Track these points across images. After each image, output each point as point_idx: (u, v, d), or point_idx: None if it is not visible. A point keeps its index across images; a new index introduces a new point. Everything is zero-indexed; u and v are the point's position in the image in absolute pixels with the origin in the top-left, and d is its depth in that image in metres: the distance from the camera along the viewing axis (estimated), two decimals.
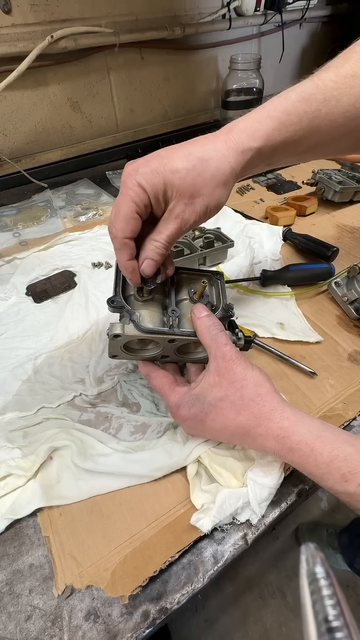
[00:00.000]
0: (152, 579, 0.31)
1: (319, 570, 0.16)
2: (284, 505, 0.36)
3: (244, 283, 0.60)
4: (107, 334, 0.35)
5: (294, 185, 0.91)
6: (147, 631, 0.30)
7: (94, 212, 0.84)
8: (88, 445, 0.40)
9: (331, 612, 0.14)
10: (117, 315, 0.37)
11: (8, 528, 0.35)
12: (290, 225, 0.76)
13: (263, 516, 0.35)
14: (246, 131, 0.32)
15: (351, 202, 0.82)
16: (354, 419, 0.43)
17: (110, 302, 0.36)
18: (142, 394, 0.46)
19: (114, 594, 0.31)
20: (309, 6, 1.23)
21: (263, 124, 0.32)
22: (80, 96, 0.98)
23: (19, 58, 0.78)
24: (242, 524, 0.35)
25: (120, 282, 0.38)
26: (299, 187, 0.90)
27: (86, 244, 0.73)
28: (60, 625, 0.30)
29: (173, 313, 0.38)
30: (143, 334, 0.35)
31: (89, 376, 0.48)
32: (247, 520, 0.34)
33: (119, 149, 1.09)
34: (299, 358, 0.48)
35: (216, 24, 1.06)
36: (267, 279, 0.59)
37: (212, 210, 0.34)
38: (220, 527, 0.34)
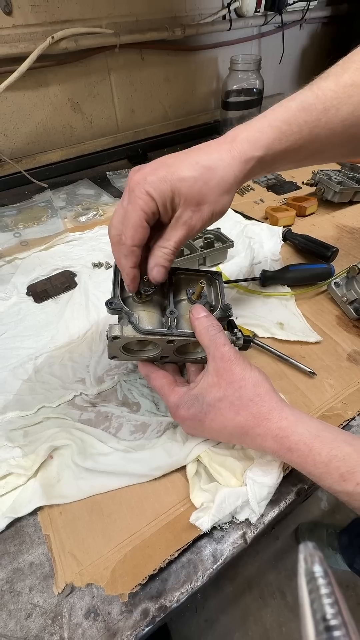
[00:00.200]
0: (152, 578, 0.32)
1: (317, 569, 0.16)
2: (283, 505, 0.36)
3: (244, 283, 0.60)
4: (106, 336, 0.36)
5: (293, 186, 0.91)
6: (147, 629, 0.30)
7: (95, 213, 0.84)
8: (88, 444, 0.40)
9: (329, 611, 0.14)
10: (117, 316, 0.37)
11: (9, 526, 0.36)
12: (290, 225, 0.76)
13: (262, 515, 0.35)
14: (249, 140, 0.33)
15: (351, 203, 0.82)
16: (353, 418, 0.43)
17: (109, 304, 0.36)
18: (142, 393, 0.46)
19: (114, 592, 0.31)
20: (309, 7, 1.23)
21: (264, 133, 0.33)
22: (81, 97, 0.98)
23: (19, 59, 0.78)
24: (241, 522, 0.35)
25: (119, 284, 0.38)
26: (298, 188, 0.90)
27: (86, 244, 0.74)
28: (60, 623, 0.30)
29: (171, 314, 0.38)
30: (141, 335, 0.35)
31: (89, 376, 0.48)
32: (247, 519, 0.35)
33: (120, 149, 1.09)
34: (299, 358, 0.49)
35: (216, 24, 1.06)
36: (267, 279, 0.59)
37: (216, 216, 0.35)
38: (219, 526, 0.34)
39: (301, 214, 0.78)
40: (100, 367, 0.50)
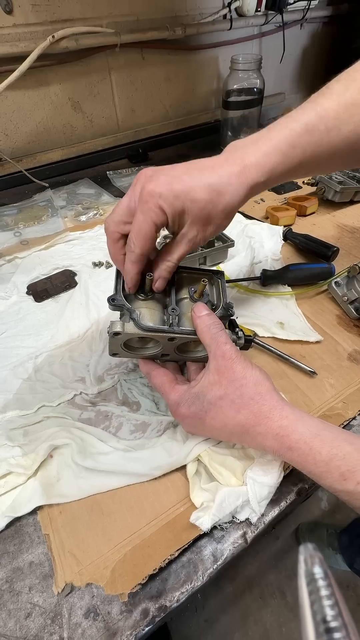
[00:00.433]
0: (152, 577, 0.32)
1: (317, 571, 0.16)
2: (283, 504, 0.36)
3: (244, 283, 0.60)
4: (108, 332, 0.36)
5: (294, 185, 0.91)
6: (147, 629, 0.30)
7: (95, 212, 0.84)
8: (88, 443, 0.40)
9: (329, 613, 0.14)
10: (118, 314, 0.37)
11: (8, 526, 0.35)
12: (291, 225, 0.76)
13: (262, 515, 0.35)
14: (257, 166, 0.34)
15: (351, 202, 0.82)
16: (354, 418, 0.43)
17: (111, 300, 0.36)
18: (142, 392, 0.46)
19: (114, 592, 0.31)
20: (310, 7, 1.24)
21: (270, 158, 0.34)
22: (82, 96, 0.98)
23: (20, 58, 0.78)
24: (241, 522, 0.35)
25: (121, 280, 0.38)
26: (299, 187, 0.90)
27: (87, 244, 0.74)
28: (60, 622, 0.30)
29: (173, 311, 0.38)
30: (143, 332, 0.35)
31: (90, 375, 0.48)
32: (247, 519, 0.34)
33: (120, 148, 1.09)
34: (299, 357, 0.48)
35: (217, 24, 1.06)
36: (268, 279, 0.59)
37: (217, 233, 0.39)
38: (219, 525, 0.34)
39: (302, 213, 0.78)
40: (101, 366, 0.49)
